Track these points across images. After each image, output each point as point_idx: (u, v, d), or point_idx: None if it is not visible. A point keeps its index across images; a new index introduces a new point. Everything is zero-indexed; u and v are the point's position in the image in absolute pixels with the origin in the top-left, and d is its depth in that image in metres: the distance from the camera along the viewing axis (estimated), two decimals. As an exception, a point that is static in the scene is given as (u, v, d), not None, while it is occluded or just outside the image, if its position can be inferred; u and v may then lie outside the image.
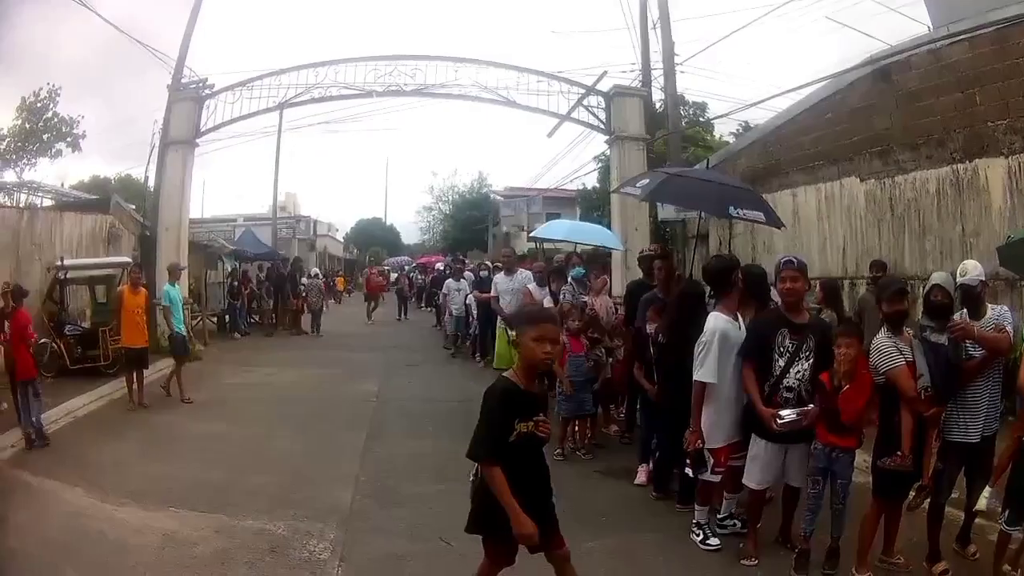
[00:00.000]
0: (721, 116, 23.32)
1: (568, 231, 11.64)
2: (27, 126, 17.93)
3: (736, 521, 4.67)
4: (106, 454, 6.94)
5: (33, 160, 18.53)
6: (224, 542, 4.68)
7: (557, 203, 31.75)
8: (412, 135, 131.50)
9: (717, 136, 21.91)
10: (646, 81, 16.27)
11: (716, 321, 4.39)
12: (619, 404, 7.64)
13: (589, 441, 6.84)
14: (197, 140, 16.68)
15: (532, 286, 8.63)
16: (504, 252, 10.97)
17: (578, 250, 11.11)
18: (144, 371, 9.16)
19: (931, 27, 9.46)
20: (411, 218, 62.26)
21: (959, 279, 4.09)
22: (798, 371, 4.04)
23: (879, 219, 9.51)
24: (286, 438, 7.51)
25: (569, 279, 8.13)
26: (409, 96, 17.40)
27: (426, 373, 11.74)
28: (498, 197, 40.89)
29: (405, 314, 23.16)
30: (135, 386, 8.98)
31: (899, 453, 3.75)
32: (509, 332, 8.88)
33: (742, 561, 4.23)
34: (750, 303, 4.63)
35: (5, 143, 17.90)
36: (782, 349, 4.06)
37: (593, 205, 25.14)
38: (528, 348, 2.93)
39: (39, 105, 17.91)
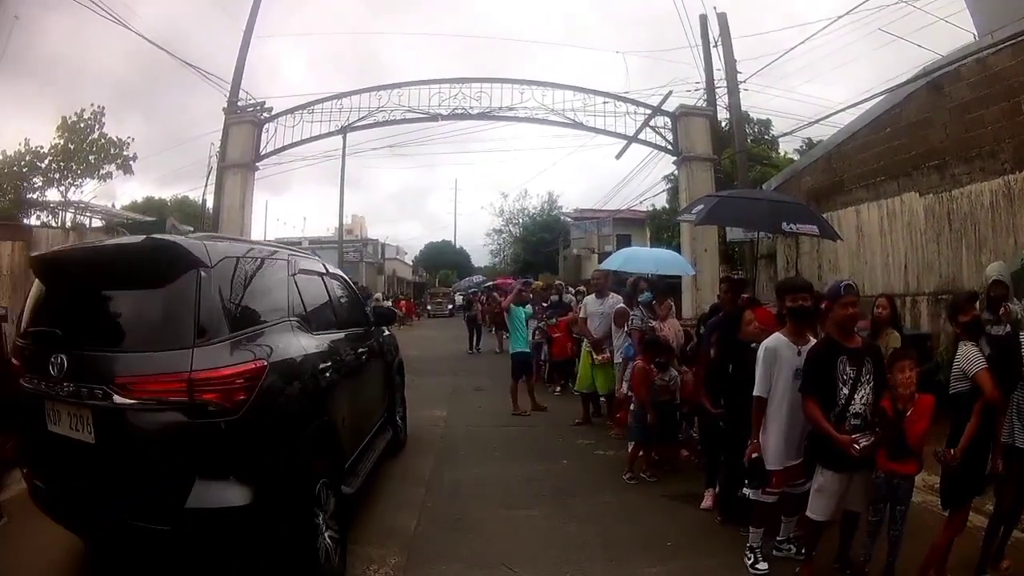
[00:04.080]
0: (785, 134, 23.47)
1: (624, 261, 11.76)
2: (70, 146, 18.17)
3: (791, 546, 4.75)
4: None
5: (79, 181, 18.76)
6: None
7: (627, 225, 32.25)
8: (481, 158, 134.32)
9: (782, 153, 22.14)
10: (711, 100, 16.71)
11: (769, 339, 4.54)
12: (688, 427, 7.57)
13: (661, 457, 6.99)
14: (257, 163, 17.67)
15: (622, 307, 8.79)
16: (595, 274, 10.95)
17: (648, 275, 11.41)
18: None
19: (976, 35, 9.79)
20: (481, 241, 63.60)
21: None
22: (862, 396, 4.10)
23: (938, 234, 9.71)
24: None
25: (638, 304, 8.42)
26: (475, 119, 18.29)
27: (494, 398, 11.61)
28: (568, 219, 41.83)
29: (478, 344, 20.69)
30: None
31: (951, 450, 3.98)
32: (594, 356, 9.06)
33: None
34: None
35: (46, 162, 18.13)
36: (845, 377, 4.11)
37: (663, 226, 25.48)
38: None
39: (82, 125, 18.17)
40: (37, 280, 4.16)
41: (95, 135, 18.24)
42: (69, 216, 19.13)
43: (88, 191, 19.24)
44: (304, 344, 4.30)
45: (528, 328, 11.57)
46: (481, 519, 5.68)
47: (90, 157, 18.25)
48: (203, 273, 3.52)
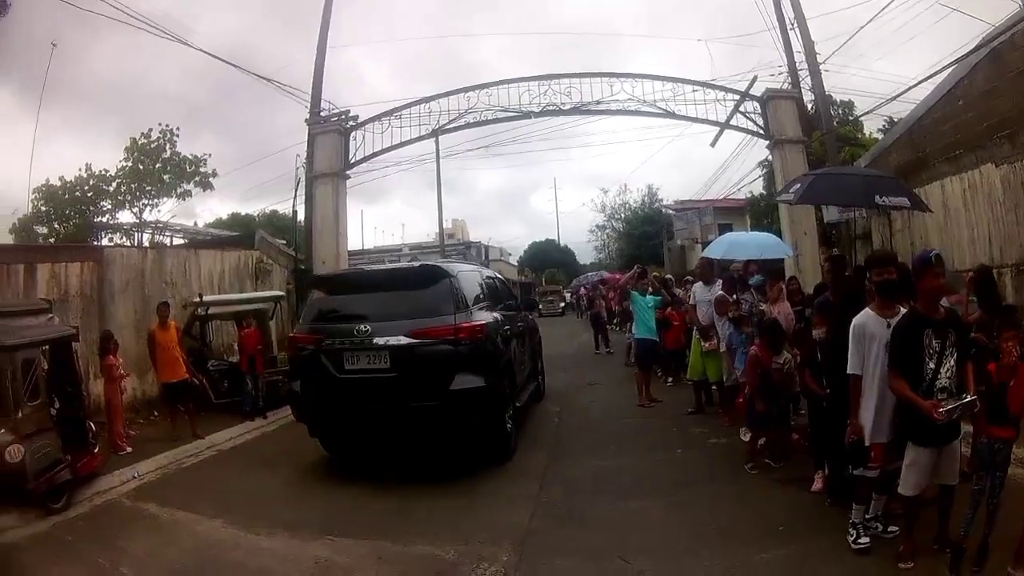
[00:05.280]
0: (865, 113, 23.01)
1: (727, 248, 11.54)
2: (139, 167, 18.30)
3: (878, 524, 4.77)
4: (255, 486, 7.18)
5: (154, 200, 18.97)
6: (383, 569, 4.80)
7: (727, 213, 32.36)
8: (578, 153, 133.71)
9: (867, 133, 21.90)
10: (794, 82, 16.71)
11: (858, 316, 4.58)
12: (797, 409, 7.69)
13: (773, 441, 7.01)
14: (347, 172, 17.82)
15: (721, 294, 8.87)
16: (700, 262, 10.95)
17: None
18: (190, 403, 9.61)
19: (1021, 3, 9.69)
20: (584, 237, 63.91)
21: None
22: (947, 369, 4.09)
23: (1016, 204, 9.58)
24: (464, 459, 7.41)
25: (749, 288, 8.54)
26: (568, 114, 18.43)
27: (608, 392, 11.93)
28: (670, 211, 42.03)
29: (606, 345, 19.11)
30: (184, 417, 9.50)
31: None
32: (703, 343, 9.20)
33: (900, 564, 4.32)
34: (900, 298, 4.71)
35: (114, 184, 18.33)
36: (930, 351, 4.09)
37: (762, 212, 25.45)
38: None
39: (153, 146, 18.34)
40: (315, 290, 8.21)
41: (167, 154, 18.73)
42: (147, 236, 19.69)
43: (166, 210, 19.87)
44: (494, 316, 8.07)
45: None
46: (595, 512, 5.81)
47: (164, 176, 18.75)
48: (453, 280, 7.25)
